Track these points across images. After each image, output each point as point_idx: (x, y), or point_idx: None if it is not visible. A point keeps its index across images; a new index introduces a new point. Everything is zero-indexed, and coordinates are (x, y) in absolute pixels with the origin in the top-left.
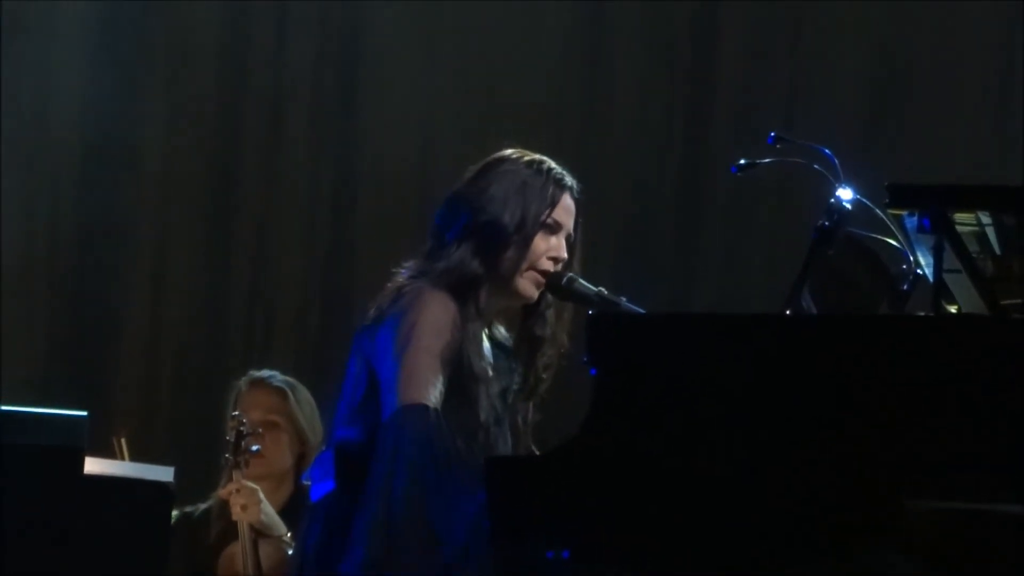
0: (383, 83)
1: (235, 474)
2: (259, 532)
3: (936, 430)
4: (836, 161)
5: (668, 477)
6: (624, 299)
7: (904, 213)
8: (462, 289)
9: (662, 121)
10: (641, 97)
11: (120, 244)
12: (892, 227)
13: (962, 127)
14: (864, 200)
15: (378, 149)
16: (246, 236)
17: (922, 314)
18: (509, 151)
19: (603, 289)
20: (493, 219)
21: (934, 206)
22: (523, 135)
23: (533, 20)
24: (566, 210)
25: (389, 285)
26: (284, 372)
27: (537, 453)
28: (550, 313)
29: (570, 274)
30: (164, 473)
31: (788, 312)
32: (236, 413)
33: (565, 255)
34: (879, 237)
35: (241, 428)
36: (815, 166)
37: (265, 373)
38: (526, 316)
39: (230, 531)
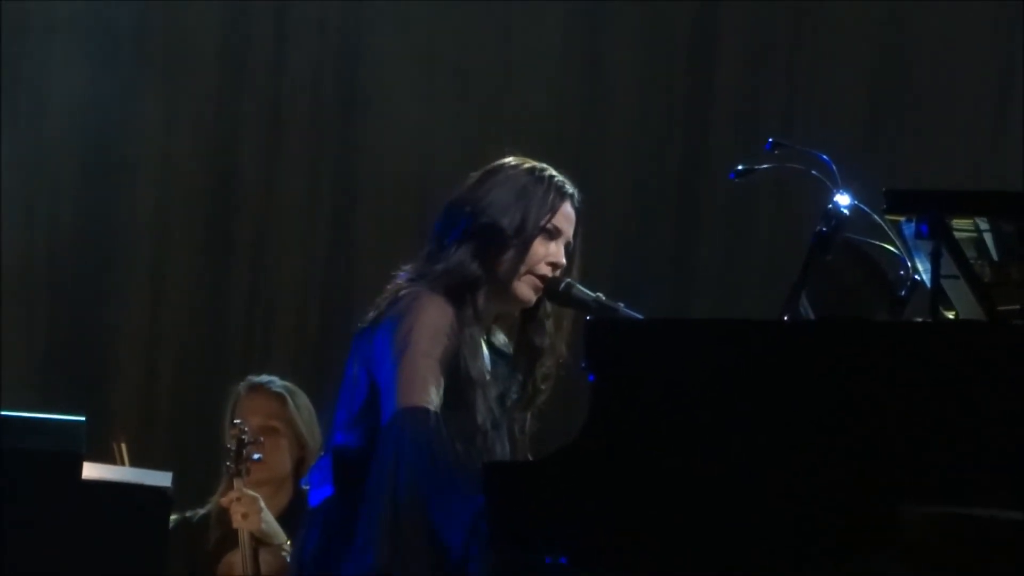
0: (383, 84)
1: (236, 482)
2: (259, 540)
3: (933, 436)
4: (834, 167)
5: (666, 482)
6: (622, 304)
7: (902, 219)
8: (460, 291)
9: (661, 122)
10: (641, 98)
11: (120, 246)
12: (890, 233)
13: (962, 127)
14: (862, 206)
15: (378, 150)
16: (246, 237)
17: (920, 320)
18: (510, 159)
19: (601, 295)
20: (493, 222)
21: (932, 212)
22: (522, 136)
23: (533, 21)
24: (566, 217)
25: (388, 288)
26: (284, 373)
27: None
28: (549, 323)
29: (568, 280)
30: (162, 478)
31: (786, 318)
32: (238, 421)
33: (564, 262)
34: (877, 243)
35: (243, 436)
36: (813, 172)
37: (264, 378)
38: (524, 324)
39: (229, 537)
